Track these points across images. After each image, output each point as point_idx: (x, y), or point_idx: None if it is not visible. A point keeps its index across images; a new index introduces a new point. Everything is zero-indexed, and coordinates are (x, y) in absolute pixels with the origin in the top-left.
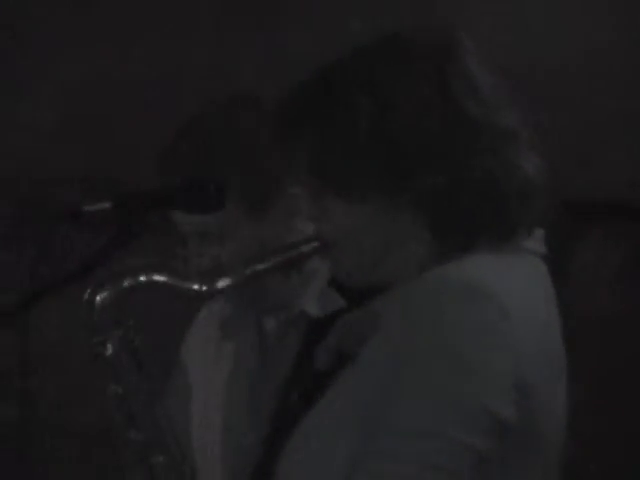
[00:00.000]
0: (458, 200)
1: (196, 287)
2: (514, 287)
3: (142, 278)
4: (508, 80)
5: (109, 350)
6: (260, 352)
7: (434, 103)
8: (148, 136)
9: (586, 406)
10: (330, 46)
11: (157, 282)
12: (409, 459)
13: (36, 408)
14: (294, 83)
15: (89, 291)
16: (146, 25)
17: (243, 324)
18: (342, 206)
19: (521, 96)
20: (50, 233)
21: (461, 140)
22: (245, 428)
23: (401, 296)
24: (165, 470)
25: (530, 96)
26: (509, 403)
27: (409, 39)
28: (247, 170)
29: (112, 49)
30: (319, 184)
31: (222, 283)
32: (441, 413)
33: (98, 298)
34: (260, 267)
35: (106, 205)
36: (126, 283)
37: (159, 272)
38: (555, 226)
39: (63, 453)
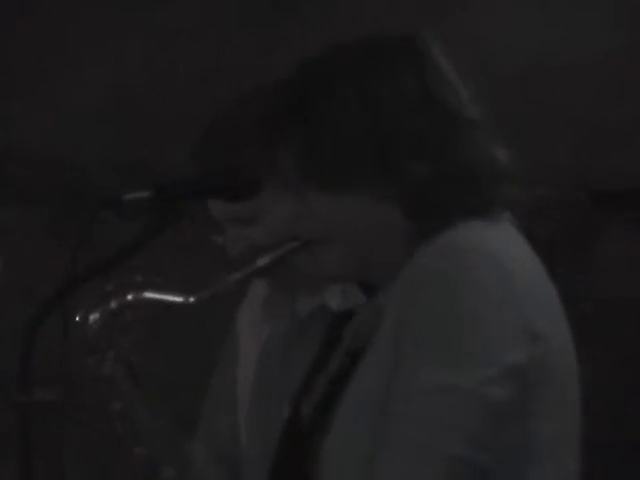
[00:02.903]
0: (439, 187)
1: (181, 300)
2: (508, 244)
3: (130, 297)
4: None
5: (106, 370)
6: (289, 335)
7: (415, 94)
8: (189, 125)
9: (605, 390)
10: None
11: (144, 299)
12: (425, 417)
13: (76, 392)
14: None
15: (80, 314)
16: (199, 22)
17: (279, 306)
18: (328, 202)
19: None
20: (90, 220)
21: (441, 129)
22: (274, 406)
23: (400, 277)
24: None
25: (552, 86)
26: (521, 350)
27: (385, 36)
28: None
29: (159, 41)
30: (305, 181)
31: (208, 292)
32: (454, 368)
33: (91, 319)
34: (243, 274)
35: (146, 194)
36: (115, 303)
37: (145, 289)
38: (579, 214)
39: (101, 436)
